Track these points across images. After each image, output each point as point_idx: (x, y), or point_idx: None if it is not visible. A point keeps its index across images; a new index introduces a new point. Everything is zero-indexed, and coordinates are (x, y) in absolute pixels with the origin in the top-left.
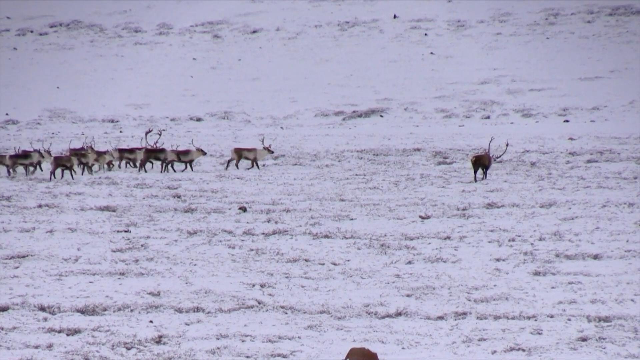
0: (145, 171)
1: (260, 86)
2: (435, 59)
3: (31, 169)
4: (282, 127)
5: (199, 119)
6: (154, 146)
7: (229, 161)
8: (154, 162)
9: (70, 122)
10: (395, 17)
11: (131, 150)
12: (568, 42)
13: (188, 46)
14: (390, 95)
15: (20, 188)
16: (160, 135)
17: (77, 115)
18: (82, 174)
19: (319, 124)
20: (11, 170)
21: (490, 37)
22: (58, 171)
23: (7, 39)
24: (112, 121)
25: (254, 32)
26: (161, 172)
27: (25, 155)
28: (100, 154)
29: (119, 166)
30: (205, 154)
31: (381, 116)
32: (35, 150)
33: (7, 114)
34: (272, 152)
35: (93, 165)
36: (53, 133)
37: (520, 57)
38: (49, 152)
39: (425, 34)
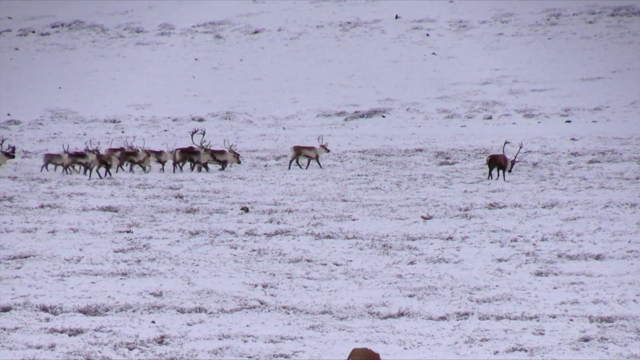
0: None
1: (262, 86)
2: (437, 59)
3: (63, 167)
4: (283, 128)
5: (200, 119)
6: (203, 147)
7: (291, 160)
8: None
9: (72, 123)
10: (397, 17)
11: (196, 152)
12: (570, 42)
13: (190, 46)
14: (392, 95)
15: (22, 188)
16: (204, 134)
17: (79, 116)
18: (131, 170)
19: (320, 125)
20: (68, 170)
21: (492, 37)
22: (91, 169)
23: (9, 39)
24: (114, 121)
25: (256, 32)
26: (199, 171)
27: (83, 154)
28: (150, 153)
29: (179, 166)
30: (239, 162)
31: (383, 117)
32: (90, 150)
33: (9, 114)
34: (329, 151)
35: (142, 163)
36: (55, 133)
37: (522, 57)
38: (97, 151)
39: (427, 35)
